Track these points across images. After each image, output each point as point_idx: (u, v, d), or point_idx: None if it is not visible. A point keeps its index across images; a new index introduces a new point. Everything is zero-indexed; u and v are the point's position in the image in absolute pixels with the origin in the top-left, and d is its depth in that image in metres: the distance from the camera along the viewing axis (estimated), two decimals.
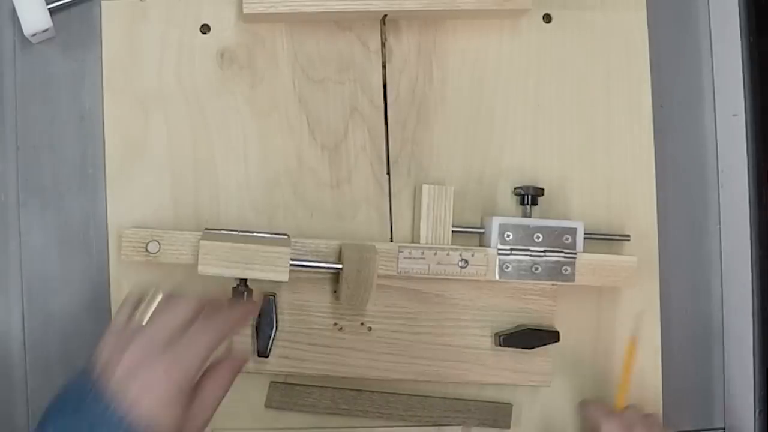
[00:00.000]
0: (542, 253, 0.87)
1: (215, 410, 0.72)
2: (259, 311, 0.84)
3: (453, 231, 0.87)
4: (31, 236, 0.88)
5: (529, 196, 0.89)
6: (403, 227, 0.90)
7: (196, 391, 0.71)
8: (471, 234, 0.89)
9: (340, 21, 0.90)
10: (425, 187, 0.87)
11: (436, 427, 0.89)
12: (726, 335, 0.97)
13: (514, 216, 0.89)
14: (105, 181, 0.88)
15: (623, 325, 0.92)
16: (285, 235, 0.85)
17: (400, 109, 0.91)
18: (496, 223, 0.86)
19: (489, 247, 0.87)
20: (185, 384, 0.69)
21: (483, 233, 0.89)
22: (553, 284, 0.88)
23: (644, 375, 0.92)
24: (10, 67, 0.88)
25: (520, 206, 0.90)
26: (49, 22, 0.86)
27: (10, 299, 0.88)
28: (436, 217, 0.87)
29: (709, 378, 0.97)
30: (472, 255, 0.87)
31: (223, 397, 0.73)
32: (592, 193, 0.92)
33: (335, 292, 0.86)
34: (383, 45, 0.90)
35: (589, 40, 0.93)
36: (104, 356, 0.70)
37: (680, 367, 0.95)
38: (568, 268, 0.87)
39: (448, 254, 0.86)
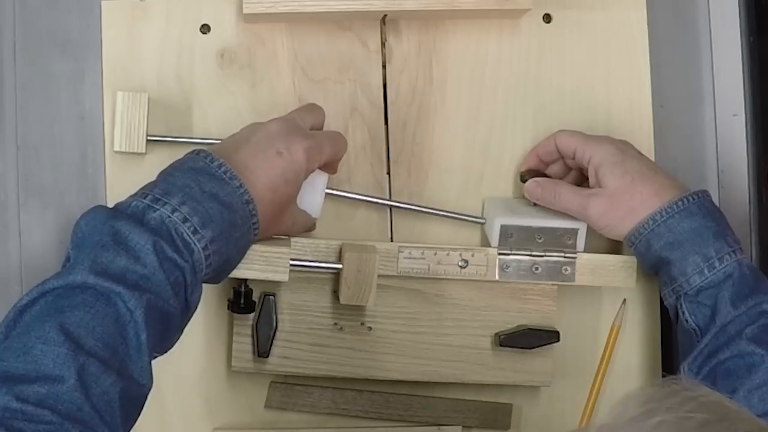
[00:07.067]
0: (542, 254, 0.87)
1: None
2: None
3: (453, 216, 0.87)
4: (31, 236, 0.88)
5: None
6: (403, 227, 0.90)
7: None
8: (471, 224, 0.90)
9: (340, 21, 0.90)
10: (119, 94, 0.85)
11: (436, 427, 0.89)
12: None
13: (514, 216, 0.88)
14: (105, 181, 0.88)
15: (623, 325, 0.92)
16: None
17: (400, 109, 0.91)
18: (497, 223, 0.86)
19: (489, 246, 0.87)
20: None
21: (484, 223, 0.89)
22: (553, 284, 0.88)
23: (645, 370, 0.92)
24: (10, 68, 0.88)
25: (521, 206, 0.90)
26: None
27: (10, 299, 0.87)
28: (130, 123, 0.85)
29: None
30: (472, 255, 0.87)
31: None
32: None
33: (335, 292, 0.86)
34: (383, 45, 0.90)
35: (589, 40, 0.93)
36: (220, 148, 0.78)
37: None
38: (568, 269, 0.87)
39: (448, 254, 0.86)
